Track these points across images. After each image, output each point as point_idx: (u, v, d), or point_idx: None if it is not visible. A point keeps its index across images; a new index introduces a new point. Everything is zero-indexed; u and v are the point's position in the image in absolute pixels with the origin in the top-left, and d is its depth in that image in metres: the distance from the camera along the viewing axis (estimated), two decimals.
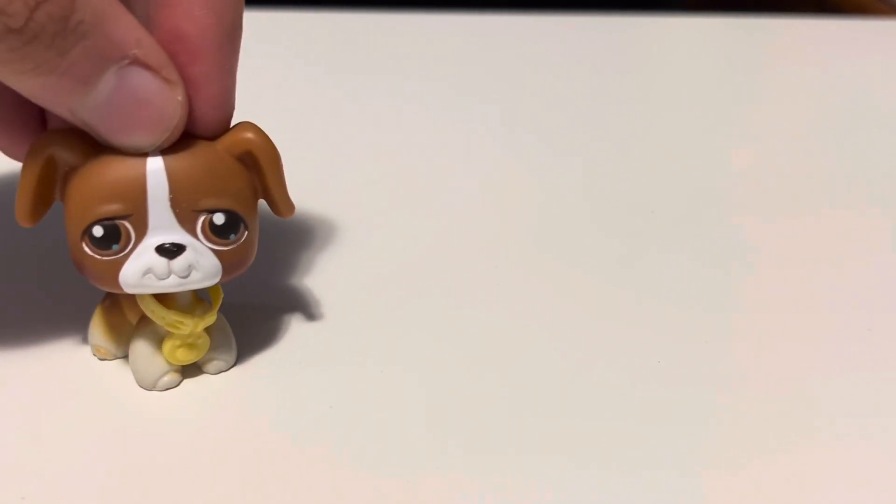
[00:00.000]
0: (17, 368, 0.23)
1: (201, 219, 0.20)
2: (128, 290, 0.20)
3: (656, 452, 0.21)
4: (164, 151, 0.20)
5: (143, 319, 0.22)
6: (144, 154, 0.20)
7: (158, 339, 0.22)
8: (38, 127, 0.22)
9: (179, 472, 0.20)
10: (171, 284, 0.20)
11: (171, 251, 0.20)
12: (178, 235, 0.20)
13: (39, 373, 0.23)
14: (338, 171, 0.34)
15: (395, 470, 0.20)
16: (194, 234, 0.20)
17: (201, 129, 0.20)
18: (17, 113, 0.22)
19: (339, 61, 0.47)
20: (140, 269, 0.20)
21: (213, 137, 0.21)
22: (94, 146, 0.20)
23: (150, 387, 0.22)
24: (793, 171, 0.35)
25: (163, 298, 0.21)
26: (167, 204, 0.20)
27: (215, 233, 0.20)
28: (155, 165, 0.20)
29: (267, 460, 0.20)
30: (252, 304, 0.25)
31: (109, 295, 0.23)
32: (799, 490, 0.20)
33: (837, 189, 0.34)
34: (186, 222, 0.20)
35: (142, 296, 0.21)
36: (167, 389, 0.22)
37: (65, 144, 0.20)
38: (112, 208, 0.20)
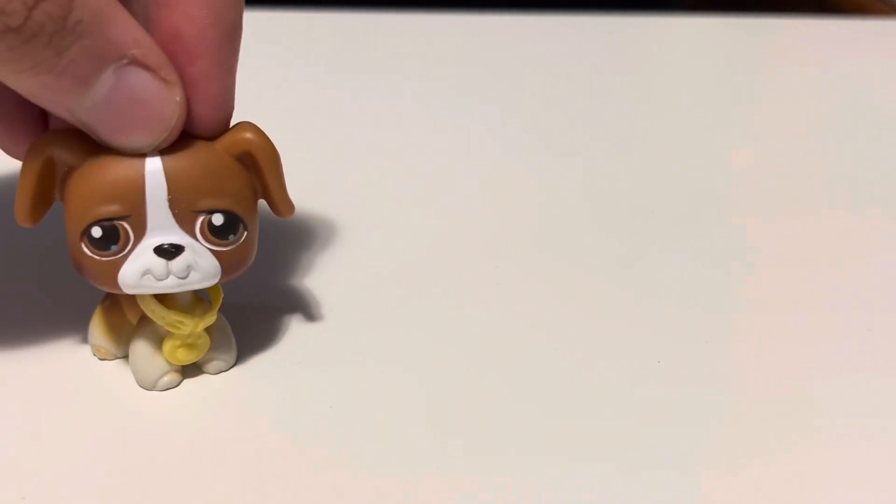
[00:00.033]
0: (17, 368, 0.23)
1: (200, 219, 0.20)
2: (127, 291, 0.20)
3: (656, 452, 0.21)
4: (162, 152, 0.20)
5: (143, 319, 0.22)
6: (143, 154, 0.20)
7: (158, 339, 0.22)
8: (39, 126, 0.22)
9: (179, 472, 0.20)
10: (169, 285, 0.20)
11: (169, 252, 0.20)
12: (176, 236, 0.20)
13: (39, 373, 0.23)
14: (338, 171, 0.34)
15: (395, 470, 0.20)
16: (193, 235, 0.20)
17: (200, 129, 0.20)
18: (18, 112, 0.22)
19: (339, 61, 0.47)
20: (139, 270, 0.20)
21: (213, 137, 0.21)
22: (93, 146, 0.20)
23: (150, 387, 0.22)
24: (793, 171, 0.35)
25: (163, 298, 0.21)
26: (166, 204, 0.20)
27: (214, 233, 0.20)
28: (153, 166, 0.20)
29: (267, 460, 0.20)
30: (252, 304, 0.25)
31: (109, 295, 0.23)
32: (799, 490, 0.20)
33: (837, 189, 0.34)
34: (185, 223, 0.20)
35: (142, 296, 0.21)
36: (167, 389, 0.22)
37: (64, 145, 0.20)
38: (110, 209, 0.20)
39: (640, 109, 0.42)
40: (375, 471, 0.20)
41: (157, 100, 0.19)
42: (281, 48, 0.47)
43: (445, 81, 0.44)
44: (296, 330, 0.24)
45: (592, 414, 0.22)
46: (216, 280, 0.21)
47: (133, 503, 0.19)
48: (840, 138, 0.38)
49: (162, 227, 0.20)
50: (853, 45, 0.51)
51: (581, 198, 0.33)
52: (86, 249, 0.20)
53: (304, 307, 0.25)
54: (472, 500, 0.19)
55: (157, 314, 0.21)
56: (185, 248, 0.20)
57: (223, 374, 0.23)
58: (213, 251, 0.20)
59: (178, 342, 0.22)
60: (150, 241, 0.20)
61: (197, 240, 0.20)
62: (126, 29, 0.18)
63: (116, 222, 0.20)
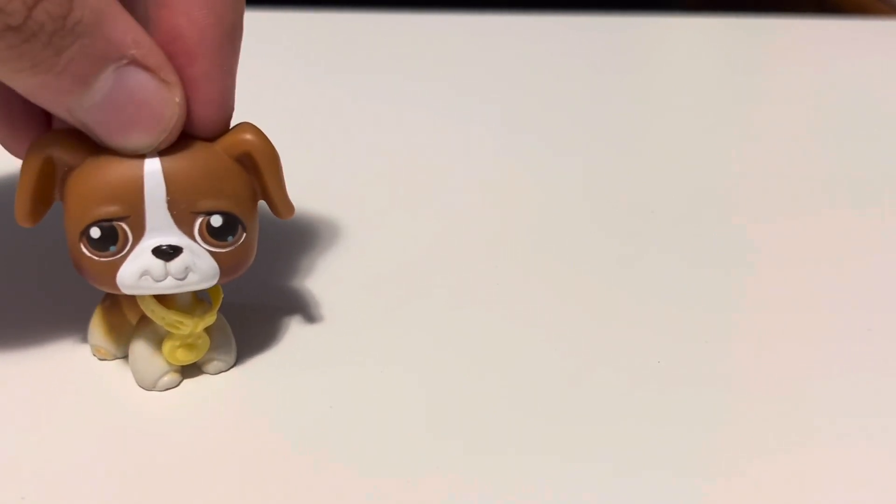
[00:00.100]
0: (17, 368, 0.23)
1: (199, 220, 0.20)
2: (125, 292, 0.20)
3: (656, 452, 0.21)
4: (161, 153, 0.20)
5: (143, 319, 0.22)
6: (142, 155, 0.20)
7: (158, 340, 0.22)
8: (43, 125, 0.22)
9: (179, 472, 0.20)
10: (168, 286, 0.20)
11: (167, 253, 0.20)
12: (175, 237, 0.20)
13: (39, 373, 0.23)
14: (338, 172, 0.34)
15: (395, 470, 0.20)
16: (192, 236, 0.20)
17: (200, 129, 0.20)
18: (22, 111, 0.22)
19: (339, 61, 0.47)
20: (137, 271, 0.20)
21: (212, 138, 0.21)
22: (93, 147, 0.20)
23: (150, 387, 0.22)
24: (793, 171, 0.35)
25: (163, 299, 0.21)
26: (164, 205, 0.20)
27: (213, 235, 0.20)
28: (152, 167, 0.20)
29: (267, 460, 0.20)
30: (252, 305, 0.25)
31: (109, 295, 0.23)
32: (799, 490, 0.20)
33: (837, 189, 0.34)
34: (184, 224, 0.20)
35: (142, 296, 0.21)
36: (167, 389, 0.22)
37: (63, 145, 0.20)
38: (109, 210, 0.20)
39: (640, 109, 0.42)
40: (375, 471, 0.20)
41: (157, 100, 0.19)
42: (281, 48, 0.47)
43: (445, 81, 0.44)
44: (296, 330, 0.24)
45: (592, 414, 0.22)
46: (215, 281, 0.21)
47: (133, 503, 0.19)
48: (840, 138, 0.38)
49: (161, 228, 0.20)
50: (853, 45, 0.51)
51: (581, 198, 0.33)
52: (85, 250, 0.20)
53: (304, 307, 0.25)
54: (472, 500, 0.19)
55: (157, 314, 0.21)
56: (184, 250, 0.20)
57: (223, 374, 0.23)
58: (211, 252, 0.20)
59: (177, 342, 0.22)
60: (149, 241, 0.20)
61: (196, 241, 0.20)
62: (126, 29, 0.18)
63: (115, 223, 0.20)
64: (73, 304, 0.24)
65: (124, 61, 0.18)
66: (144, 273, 0.20)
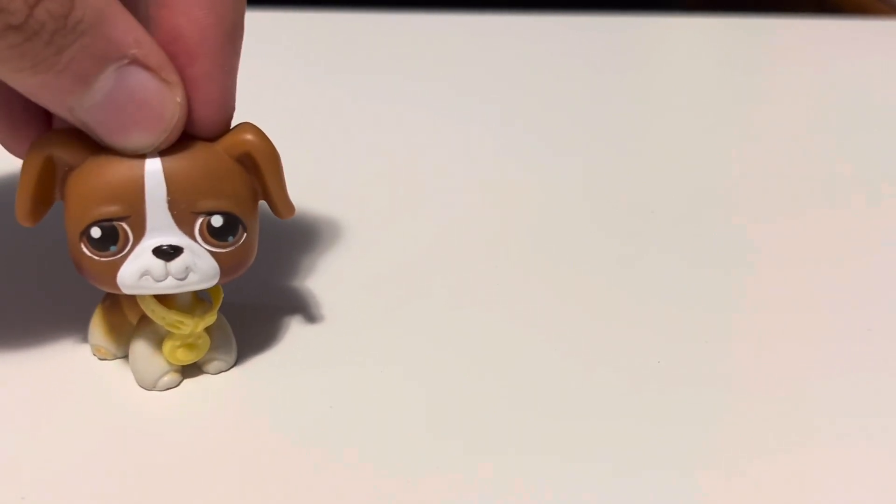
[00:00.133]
0: (17, 368, 0.23)
1: (199, 220, 0.20)
2: (125, 291, 0.20)
3: (656, 452, 0.21)
4: (162, 152, 0.20)
5: (143, 319, 0.22)
6: (143, 155, 0.20)
7: (158, 339, 0.22)
8: (43, 125, 0.22)
9: (179, 472, 0.20)
10: (168, 286, 0.20)
11: (168, 253, 0.20)
12: (175, 237, 0.20)
13: (39, 373, 0.23)
14: (338, 172, 0.34)
15: (395, 470, 0.20)
16: (192, 236, 0.20)
17: (201, 129, 0.20)
18: (22, 110, 0.22)
19: (339, 61, 0.47)
20: (137, 271, 0.20)
21: (213, 138, 0.21)
22: (93, 147, 0.20)
23: (150, 387, 0.22)
24: (793, 171, 0.35)
25: (163, 298, 0.21)
26: (165, 205, 0.20)
27: (213, 235, 0.20)
28: (153, 167, 0.20)
29: (267, 460, 0.20)
30: (252, 305, 0.25)
31: (110, 295, 0.23)
32: (799, 490, 0.20)
33: (837, 189, 0.34)
34: (184, 224, 0.20)
35: (142, 296, 0.21)
36: (167, 389, 0.22)
37: (64, 145, 0.20)
38: (110, 209, 0.20)
39: (640, 109, 0.42)
40: (375, 471, 0.20)
41: (158, 100, 0.19)
42: (281, 48, 0.47)
43: (445, 81, 0.44)
44: (296, 330, 0.24)
45: (592, 414, 0.22)
46: (215, 281, 0.21)
47: (133, 503, 0.19)
48: (840, 138, 0.38)
49: (161, 228, 0.20)
50: (853, 45, 0.51)
51: (581, 198, 0.33)
52: (85, 249, 0.20)
53: (304, 307, 0.25)
54: (472, 500, 0.19)
55: (158, 314, 0.21)
56: (184, 250, 0.20)
57: (223, 374, 0.23)
58: (212, 252, 0.20)
59: (178, 342, 0.22)
60: (149, 241, 0.20)
61: (196, 241, 0.20)
62: (127, 29, 0.18)
63: (116, 223, 0.20)
64: (73, 304, 0.24)
65: (125, 61, 0.18)
66: (145, 273, 0.20)
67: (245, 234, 0.21)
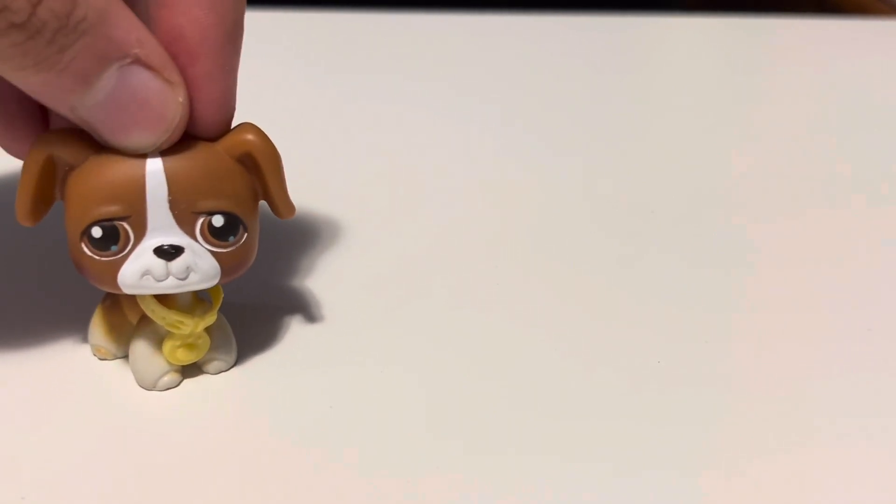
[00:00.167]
0: (17, 368, 0.23)
1: (200, 220, 0.20)
2: (126, 291, 0.20)
3: (656, 452, 0.21)
4: (163, 152, 0.20)
5: (143, 319, 0.22)
6: (144, 155, 0.20)
7: (158, 339, 0.22)
8: (40, 125, 0.22)
9: (179, 472, 0.20)
10: (169, 286, 0.20)
11: (169, 253, 0.20)
12: (176, 237, 0.20)
13: (39, 373, 0.23)
14: (338, 172, 0.34)
15: (395, 470, 0.20)
16: (193, 236, 0.20)
17: (201, 129, 0.20)
18: (19, 111, 0.22)
19: (339, 61, 0.47)
20: (138, 271, 0.20)
21: (214, 138, 0.21)
22: (94, 146, 0.20)
23: (150, 387, 0.22)
24: (793, 171, 0.35)
25: (163, 298, 0.21)
26: (166, 205, 0.20)
27: (214, 235, 0.20)
28: (154, 166, 0.20)
29: (267, 460, 0.20)
30: (252, 304, 0.25)
31: (110, 295, 0.23)
32: (799, 490, 0.20)
33: (837, 189, 0.34)
34: (185, 224, 0.20)
35: (142, 296, 0.21)
36: (167, 389, 0.22)
37: (64, 144, 0.20)
38: (111, 209, 0.20)
39: (640, 109, 0.42)
40: (375, 471, 0.20)
41: (160, 100, 0.19)
42: (281, 48, 0.47)
43: (445, 81, 0.44)
44: (296, 330, 0.24)
45: (592, 414, 0.22)
46: (216, 281, 0.21)
47: (133, 503, 0.19)
48: (840, 138, 0.38)
49: (162, 228, 0.20)
50: (853, 45, 0.51)
51: (581, 198, 0.33)
52: (86, 249, 0.20)
53: (304, 307, 0.25)
54: (472, 500, 0.19)
55: (158, 314, 0.21)
56: (185, 249, 0.20)
57: (223, 374, 0.23)
58: (212, 252, 0.20)
59: (178, 342, 0.22)
60: (150, 241, 0.20)
61: (197, 241, 0.20)
62: (130, 28, 0.18)
63: (116, 222, 0.20)
64: (73, 304, 0.24)
65: (128, 60, 0.18)
66: (146, 273, 0.20)
67: (246, 234, 0.21)
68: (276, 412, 0.22)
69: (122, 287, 0.20)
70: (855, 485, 0.20)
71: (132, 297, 0.21)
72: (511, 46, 0.49)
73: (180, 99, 0.19)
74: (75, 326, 0.24)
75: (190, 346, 0.22)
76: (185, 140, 0.20)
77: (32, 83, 0.18)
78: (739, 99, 0.44)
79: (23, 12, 0.17)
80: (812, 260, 0.29)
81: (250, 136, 0.20)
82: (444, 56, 0.48)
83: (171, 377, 0.22)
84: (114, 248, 0.20)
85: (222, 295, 0.22)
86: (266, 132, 0.21)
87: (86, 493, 0.19)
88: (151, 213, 0.20)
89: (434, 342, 0.24)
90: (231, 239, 0.20)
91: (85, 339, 0.23)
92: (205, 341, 0.22)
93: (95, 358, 0.23)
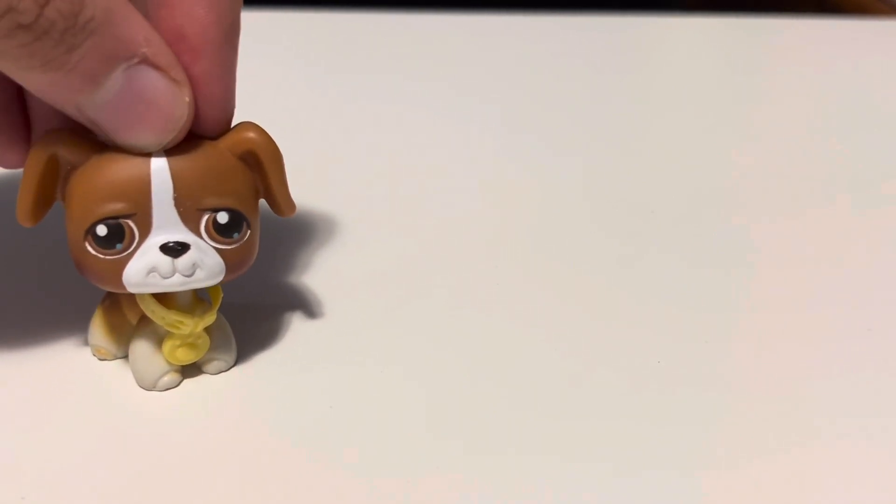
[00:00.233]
0: (17, 368, 0.23)
1: (205, 217, 0.20)
2: (131, 290, 0.20)
3: (656, 452, 0.21)
4: (167, 150, 0.20)
5: (143, 319, 0.22)
6: (148, 153, 0.20)
7: (158, 339, 0.22)
8: (21, 133, 0.22)
9: (179, 472, 0.20)
10: (175, 283, 0.20)
11: (175, 250, 0.20)
12: (182, 234, 0.20)
13: (39, 373, 0.23)
14: (338, 171, 0.34)
15: (395, 470, 0.20)
16: (198, 233, 0.20)
17: (203, 128, 0.20)
18: (2, 118, 0.22)
19: (339, 61, 0.47)
20: (144, 268, 0.20)
21: (215, 137, 0.21)
22: (96, 146, 0.20)
23: (150, 387, 0.22)
24: (793, 171, 0.35)
25: (163, 298, 0.21)
26: (171, 203, 0.20)
27: (219, 231, 0.20)
28: (159, 164, 0.20)
29: (267, 460, 0.20)
30: (252, 304, 0.25)
31: (109, 295, 0.23)
32: (799, 490, 0.20)
33: (838, 189, 0.34)
34: (190, 221, 0.20)
35: (142, 296, 0.21)
36: (167, 389, 0.22)
37: (67, 144, 0.20)
38: (116, 207, 0.20)
39: (640, 109, 0.42)
40: (375, 471, 0.20)
41: (167, 100, 0.19)
42: (281, 48, 0.47)
43: (445, 81, 0.44)
44: (296, 330, 0.24)
45: (592, 414, 0.22)
46: (220, 278, 0.21)
47: (133, 503, 0.19)
48: (840, 138, 0.38)
49: (167, 226, 0.20)
50: (853, 45, 0.51)
51: (581, 198, 0.33)
52: (90, 248, 0.20)
53: (304, 307, 0.25)
54: (472, 500, 0.19)
55: (157, 314, 0.21)
56: (191, 246, 0.20)
57: (223, 374, 0.23)
58: (217, 249, 0.20)
59: (178, 342, 0.22)
60: (156, 239, 0.20)
61: (202, 238, 0.20)
62: (137, 28, 0.18)
63: (122, 220, 0.20)
64: (73, 304, 0.24)
65: (135, 60, 0.18)
66: (152, 270, 0.20)
67: (249, 232, 0.21)
68: (276, 412, 0.22)
69: (127, 286, 0.20)
70: (855, 485, 0.20)
71: (132, 298, 0.21)
72: (511, 46, 0.49)
73: (186, 98, 0.19)
74: (75, 326, 0.24)
75: (190, 346, 0.22)
76: (187, 138, 0.20)
77: (40, 83, 0.18)
78: (739, 99, 0.44)
79: (30, 13, 0.17)
80: (812, 260, 0.29)
81: (252, 134, 0.21)
82: (444, 56, 0.48)
83: (171, 377, 0.22)
84: (119, 246, 0.20)
85: (222, 295, 0.22)
86: (267, 131, 0.21)
87: (86, 493, 0.19)
88: (157, 211, 0.20)
89: (434, 342, 0.24)
90: (235, 236, 0.21)
91: (85, 340, 0.23)
92: (205, 341, 0.22)
93: (95, 358, 0.23)
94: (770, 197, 0.33)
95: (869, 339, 0.25)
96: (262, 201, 0.22)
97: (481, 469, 0.20)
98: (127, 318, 0.22)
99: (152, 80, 0.19)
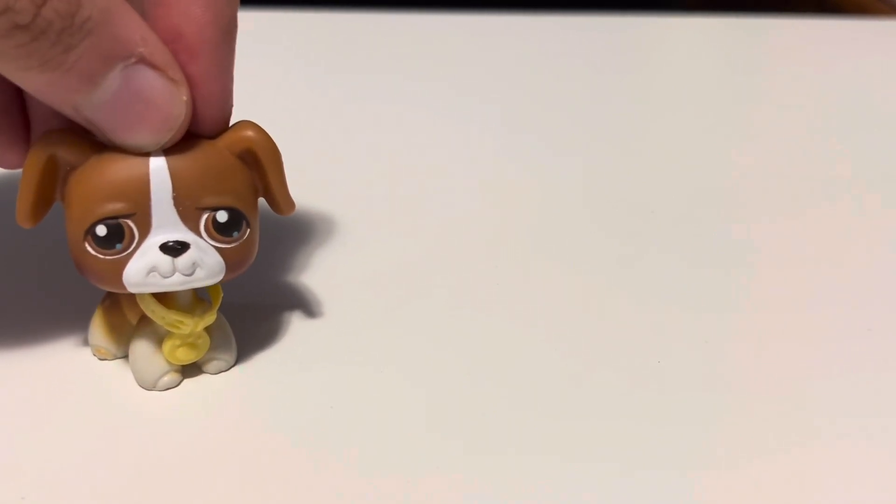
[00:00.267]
0: (17, 368, 0.23)
1: (204, 216, 0.20)
2: (131, 290, 0.20)
3: (656, 452, 0.21)
4: (166, 150, 0.20)
5: (143, 319, 0.22)
6: (146, 153, 0.20)
7: (158, 339, 0.22)
8: (21, 134, 0.22)
9: (179, 472, 0.20)
10: (175, 282, 0.20)
11: (175, 249, 0.20)
12: (181, 233, 0.20)
13: (39, 373, 0.23)
14: (338, 171, 0.34)
15: (395, 470, 0.20)
16: (198, 232, 0.20)
17: (201, 127, 0.20)
18: (2, 118, 0.22)
19: (339, 61, 0.47)
20: (144, 268, 0.20)
21: (214, 136, 0.21)
22: (95, 146, 0.20)
23: (150, 387, 0.22)
24: (793, 171, 0.35)
25: (163, 298, 0.21)
26: (170, 202, 0.20)
27: (218, 230, 0.20)
28: (157, 164, 0.20)
29: (267, 460, 0.20)
30: (252, 304, 0.25)
31: (109, 295, 0.23)
32: (799, 490, 0.20)
33: (837, 189, 0.34)
34: (190, 220, 0.20)
35: (142, 296, 0.21)
36: (167, 389, 0.22)
37: (66, 144, 0.20)
38: (115, 207, 0.20)
39: (640, 109, 0.42)
40: (375, 471, 0.20)
41: (165, 99, 0.19)
42: (281, 48, 0.47)
43: (445, 81, 0.44)
44: (296, 329, 0.24)
45: (592, 414, 0.22)
46: (220, 277, 0.21)
47: (133, 503, 0.19)
48: (840, 138, 0.38)
49: (167, 225, 0.20)
50: (853, 45, 0.51)
51: (581, 198, 0.33)
52: (89, 248, 0.20)
53: (304, 307, 0.25)
54: (472, 500, 0.19)
55: (157, 314, 0.21)
56: (191, 246, 0.20)
57: (223, 374, 0.23)
58: (217, 248, 0.20)
59: (178, 342, 0.22)
60: (155, 238, 0.20)
61: (201, 237, 0.20)
62: (134, 27, 0.18)
63: (121, 220, 0.20)
64: (73, 304, 0.24)
65: (132, 59, 0.18)
66: (152, 270, 0.20)
67: (248, 230, 0.21)
68: (276, 412, 0.22)
69: (127, 285, 0.20)
70: (855, 485, 0.20)
71: (132, 297, 0.21)
72: (511, 46, 0.49)
73: (184, 97, 0.19)
74: (75, 326, 0.24)
75: (190, 346, 0.22)
76: (186, 137, 0.20)
77: (37, 83, 0.18)
78: (739, 99, 0.44)
79: (27, 13, 0.17)
80: (812, 260, 0.29)
81: (250, 133, 0.21)
82: (444, 56, 0.48)
83: (171, 377, 0.22)
84: (118, 246, 0.20)
85: (222, 294, 0.22)
86: (265, 129, 0.21)
87: (86, 493, 0.19)
88: (156, 211, 0.20)
89: (434, 342, 0.24)
90: (235, 234, 0.21)
91: (85, 340, 0.23)
92: (205, 341, 0.22)
93: (95, 358, 0.23)
94: (770, 197, 0.33)
95: (869, 339, 0.25)
96: (262, 201, 0.22)
97: (481, 469, 0.20)
98: (127, 318, 0.22)
99: (149, 80, 0.19)
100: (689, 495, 0.20)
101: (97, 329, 0.23)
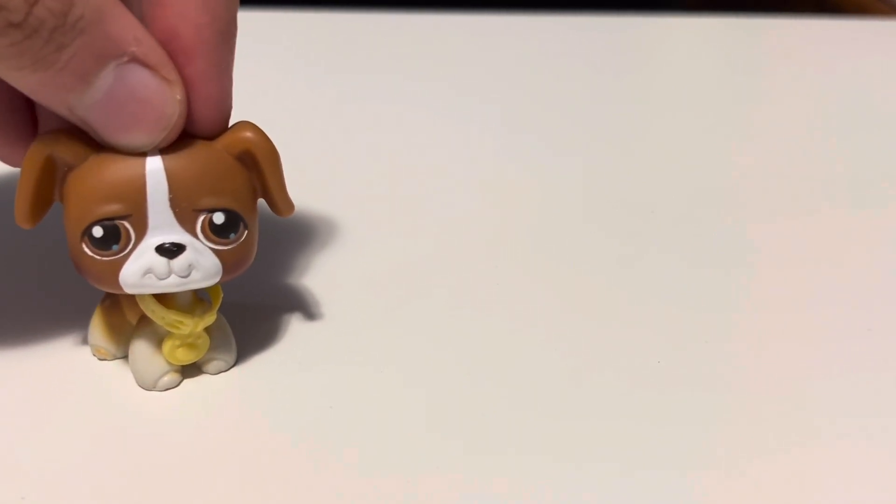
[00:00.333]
0: (17, 368, 0.23)
1: (201, 218, 0.20)
2: (128, 291, 0.20)
3: (656, 452, 0.21)
4: (162, 151, 0.20)
5: (143, 319, 0.22)
6: (143, 154, 0.20)
7: (158, 339, 0.22)
8: (29, 131, 0.22)
9: (179, 472, 0.20)
10: (171, 284, 0.20)
11: (171, 251, 0.20)
12: (177, 235, 0.20)
13: (39, 373, 0.23)
14: (337, 171, 0.34)
15: (395, 470, 0.20)
16: (194, 234, 0.20)
17: (199, 128, 0.20)
18: (10, 115, 0.22)
19: (339, 61, 0.47)
20: (140, 269, 0.20)
21: (212, 137, 0.21)
22: (93, 146, 0.20)
23: (150, 387, 0.22)
24: (793, 171, 0.35)
25: (162, 298, 0.21)
26: (167, 204, 0.20)
27: (215, 232, 0.20)
28: (154, 165, 0.20)
29: (267, 460, 0.20)
30: (252, 304, 0.25)
31: (109, 295, 0.23)
32: (799, 490, 0.20)
33: (837, 189, 0.34)
34: (186, 222, 0.20)
35: (141, 296, 0.21)
36: (167, 389, 0.22)
37: (64, 144, 0.20)
38: (112, 208, 0.20)
39: (640, 109, 0.42)
40: (375, 471, 0.20)
41: (158, 98, 0.19)
42: (281, 48, 0.47)
43: (445, 81, 0.44)
44: (296, 330, 0.24)
45: (592, 414, 0.22)
46: (217, 279, 0.21)
47: (133, 503, 0.19)
48: (840, 138, 0.38)
49: (163, 227, 0.20)
50: (853, 45, 0.51)
51: (581, 198, 0.33)
52: (86, 249, 0.20)
53: (304, 307, 0.25)
54: (472, 500, 0.19)
55: (157, 314, 0.21)
56: (187, 247, 0.20)
57: (223, 374, 0.23)
58: (214, 250, 0.20)
59: (177, 342, 0.22)
60: (152, 240, 0.20)
61: (198, 239, 0.20)
62: (127, 26, 0.18)
63: (118, 222, 0.20)
64: (73, 304, 0.24)
65: (125, 58, 0.18)
66: (148, 271, 0.20)
67: (246, 232, 0.21)
68: (276, 412, 0.22)
69: (123, 287, 0.20)
70: (855, 485, 0.20)
71: (132, 298, 0.21)
72: (511, 46, 0.49)
73: (178, 97, 0.19)
74: (75, 326, 0.24)
75: (190, 346, 0.22)
76: (183, 138, 0.20)
77: (30, 82, 0.18)
78: (739, 99, 0.44)
79: (19, 11, 0.17)
80: (812, 260, 0.29)
81: (249, 134, 0.21)
82: (444, 56, 0.48)
83: (171, 377, 0.22)
84: (115, 247, 0.20)
85: (221, 295, 0.22)
86: (265, 130, 0.21)
87: (86, 493, 0.19)
88: (152, 212, 0.20)
89: (434, 342, 0.24)
90: (232, 236, 0.21)
91: (85, 340, 0.23)
92: (204, 341, 0.22)
93: (95, 358, 0.23)
94: (770, 197, 0.33)
95: (869, 339, 0.25)
96: (262, 201, 0.22)
97: (481, 469, 0.20)
98: (127, 318, 0.22)
99: (142, 79, 0.19)
100: (689, 495, 0.20)
101: (97, 329, 0.23)
